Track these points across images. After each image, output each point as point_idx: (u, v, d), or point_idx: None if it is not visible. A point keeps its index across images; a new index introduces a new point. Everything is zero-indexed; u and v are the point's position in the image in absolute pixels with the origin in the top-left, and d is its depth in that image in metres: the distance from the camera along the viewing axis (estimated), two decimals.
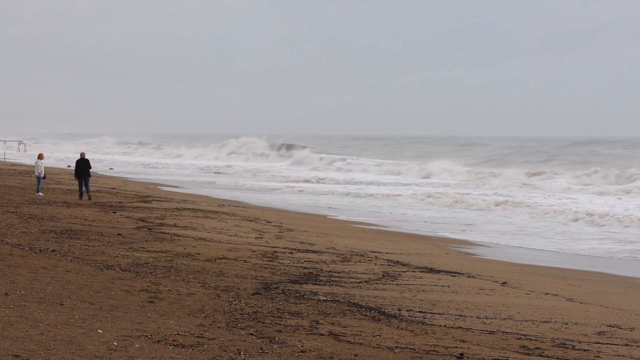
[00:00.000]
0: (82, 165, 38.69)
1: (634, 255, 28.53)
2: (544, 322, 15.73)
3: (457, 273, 21.52)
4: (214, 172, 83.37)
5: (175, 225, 28.42)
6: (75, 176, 38.88)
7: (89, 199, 37.40)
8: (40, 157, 40.32)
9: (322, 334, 13.14)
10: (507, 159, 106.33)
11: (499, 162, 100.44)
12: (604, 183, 64.18)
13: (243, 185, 62.07)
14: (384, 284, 19.07)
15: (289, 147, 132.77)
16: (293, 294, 16.83)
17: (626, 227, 36.83)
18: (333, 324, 14.07)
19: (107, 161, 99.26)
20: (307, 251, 23.91)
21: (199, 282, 17.38)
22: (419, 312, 15.96)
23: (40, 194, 38.41)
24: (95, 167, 56.34)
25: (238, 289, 16.94)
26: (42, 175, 39.35)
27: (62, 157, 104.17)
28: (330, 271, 20.33)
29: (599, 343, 14.14)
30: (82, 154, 40.44)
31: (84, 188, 38.14)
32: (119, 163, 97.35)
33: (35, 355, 10.37)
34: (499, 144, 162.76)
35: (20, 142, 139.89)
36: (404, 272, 21.09)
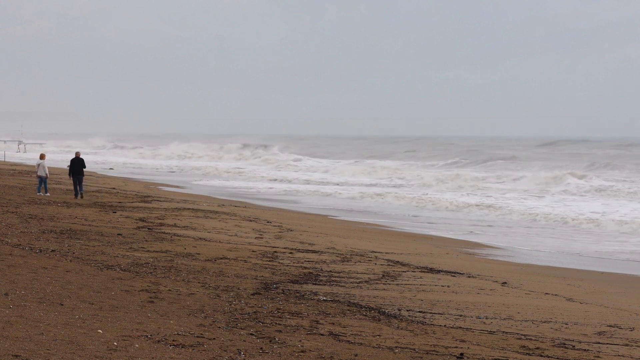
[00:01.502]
0: (76, 164, 38.81)
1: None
2: (544, 322, 15.73)
3: (457, 273, 21.52)
4: (169, 171, 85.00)
5: (175, 225, 28.42)
6: (69, 175, 39.01)
7: (81, 197, 37.62)
8: (42, 157, 40.33)
9: (322, 334, 13.14)
10: (468, 157, 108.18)
11: (458, 162, 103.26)
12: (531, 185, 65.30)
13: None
14: (384, 284, 19.07)
15: (249, 146, 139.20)
16: (293, 294, 16.83)
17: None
18: (333, 324, 14.07)
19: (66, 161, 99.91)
20: (307, 251, 23.91)
21: (199, 282, 17.37)
22: (419, 312, 15.96)
23: (41, 193, 38.47)
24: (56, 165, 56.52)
25: (238, 289, 16.94)
26: (45, 175, 39.33)
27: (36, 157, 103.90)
28: (330, 271, 20.34)
29: (599, 343, 14.15)
30: (77, 153, 40.56)
31: (78, 187, 38.32)
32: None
33: (35, 355, 10.36)
34: (489, 143, 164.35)
35: (20, 142, 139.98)
36: (404, 272, 21.09)
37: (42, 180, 39.05)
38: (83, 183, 38.95)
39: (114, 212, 31.67)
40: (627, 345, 14.14)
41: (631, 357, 13.26)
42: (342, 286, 18.29)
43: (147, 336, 11.97)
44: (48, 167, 40.10)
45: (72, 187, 39.92)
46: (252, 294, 16.41)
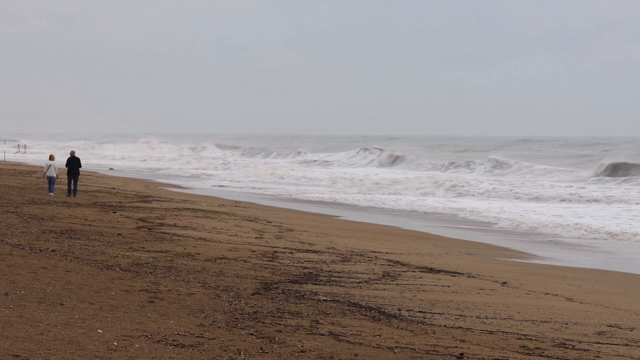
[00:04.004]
0: (72, 163, 38.90)
1: None
2: (544, 322, 15.73)
3: (457, 273, 21.52)
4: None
5: (175, 225, 28.42)
6: (67, 174, 39.13)
7: (74, 196, 37.78)
8: (51, 158, 40.33)
9: (322, 334, 13.14)
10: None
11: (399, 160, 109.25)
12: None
13: None
14: (384, 284, 19.07)
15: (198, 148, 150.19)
16: (293, 294, 16.83)
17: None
18: (333, 324, 14.07)
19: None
20: (307, 251, 23.91)
21: (199, 282, 17.37)
22: (419, 312, 15.96)
23: (52, 194, 38.61)
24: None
25: (238, 289, 16.94)
26: (56, 175, 39.38)
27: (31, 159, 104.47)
28: (330, 271, 20.34)
29: (599, 343, 14.15)
30: (72, 152, 40.65)
31: (72, 186, 38.49)
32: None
33: (35, 355, 10.36)
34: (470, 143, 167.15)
35: (20, 143, 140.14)
36: (404, 272, 21.10)
37: (52, 180, 39.09)
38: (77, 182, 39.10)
39: (114, 212, 31.67)
40: (627, 345, 14.15)
41: (631, 357, 13.26)
42: (342, 286, 18.30)
43: (147, 336, 11.97)
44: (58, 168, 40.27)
45: None
46: (252, 294, 16.41)
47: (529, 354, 12.90)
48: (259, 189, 60.23)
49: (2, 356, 10.20)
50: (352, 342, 12.72)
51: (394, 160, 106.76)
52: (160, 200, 39.12)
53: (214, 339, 12.18)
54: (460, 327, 14.71)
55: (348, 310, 15.48)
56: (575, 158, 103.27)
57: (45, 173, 39.43)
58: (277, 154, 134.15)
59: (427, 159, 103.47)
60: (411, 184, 64.32)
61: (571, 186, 63.85)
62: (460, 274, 21.46)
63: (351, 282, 18.89)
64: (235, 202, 42.98)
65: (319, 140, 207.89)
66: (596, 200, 52.21)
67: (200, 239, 25.22)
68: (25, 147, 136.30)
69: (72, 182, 38.54)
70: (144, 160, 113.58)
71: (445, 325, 14.79)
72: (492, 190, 59.69)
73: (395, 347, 12.64)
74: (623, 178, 70.10)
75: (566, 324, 15.67)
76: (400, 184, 65.43)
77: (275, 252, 23.30)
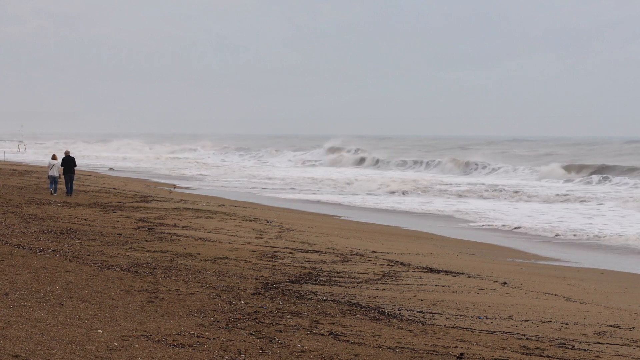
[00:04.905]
0: (67, 162, 38.99)
1: None
2: (544, 322, 15.73)
3: (457, 273, 21.53)
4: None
5: (175, 225, 28.42)
6: (62, 173, 39.28)
7: (71, 195, 37.94)
8: (54, 157, 40.39)
9: (322, 334, 13.14)
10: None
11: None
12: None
13: None
14: (384, 284, 19.07)
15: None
16: (293, 294, 16.83)
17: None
18: (333, 324, 14.07)
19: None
20: (307, 251, 23.91)
21: (199, 282, 17.37)
22: (419, 312, 15.96)
23: (54, 193, 38.69)
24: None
25: (238, 289, 16.94)
26: (58, 175, 39.47)
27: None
28: (330, 271, 20.34)
29: (599, 343, 14.15)
30: (67, 152, 40.75)
31: (69, 185, 38.63)
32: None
33: (35, 355, 10.36)
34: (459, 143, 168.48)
35: (20, 142, 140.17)
36: (404, 272, 21.10)
37: (55, 180, 39.17)
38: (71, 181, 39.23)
39: (114, 212, 31.67)
40: (627, 345, 14.15)
41: (631, 357, 13.26)
42: (342, 286, 18.30)
43: (147, 336, 11.97)
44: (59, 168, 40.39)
45: None
46: (252, 294, 16.41)
47: (529, 354, 12.90)
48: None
49: (2, 356, 10.20)
50: (352, 342, 12.72)
51: (359, 160, 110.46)
52: (160, 200, 39.12)
53: (214, 339, 12.18)
54: (460, 327, 14.71)
55: (348, 310, 15.49)
56: (537, 158, 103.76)
57: (49, 172, 39.63)
58: (247, 153, 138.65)
59: (395, 159, 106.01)
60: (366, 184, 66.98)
61: (542, 186, 65.35)
62: (460, 274, 21.46)
63: (351, 282, 18.89)
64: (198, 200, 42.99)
65: (315, 140, 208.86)
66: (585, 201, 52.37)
67: (200, 239, 25.22)
68: (25, 146, 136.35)
69: (69, 180, 38.71)
70: (114, 159, 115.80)
71: (445, 325, 14.80)
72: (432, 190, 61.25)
73: (395, 347, 12.64)
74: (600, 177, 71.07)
75: (566, 324, 15.67)
76: (353, 184, 67.83)
77: (275, 252, 23.30)
